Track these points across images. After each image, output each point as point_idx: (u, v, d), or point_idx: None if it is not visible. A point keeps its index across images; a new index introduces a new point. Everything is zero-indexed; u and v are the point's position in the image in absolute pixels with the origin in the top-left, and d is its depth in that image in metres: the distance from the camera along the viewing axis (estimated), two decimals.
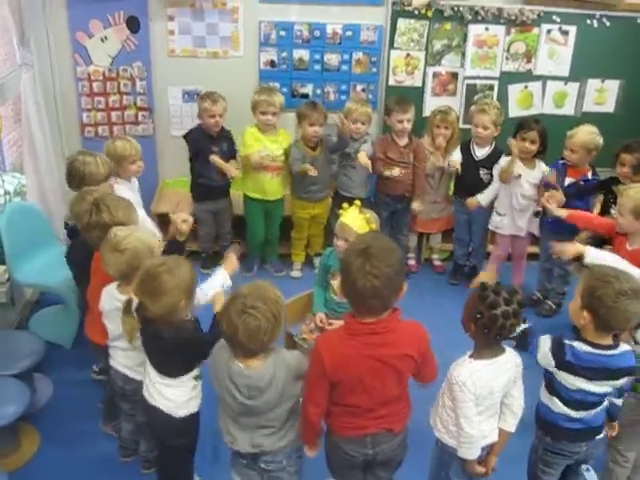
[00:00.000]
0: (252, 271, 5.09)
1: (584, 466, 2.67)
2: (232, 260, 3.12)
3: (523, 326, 2.54)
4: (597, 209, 4.49)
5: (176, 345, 2.59)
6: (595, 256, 3.31)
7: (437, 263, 5.38)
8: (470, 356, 2.53)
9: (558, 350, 2.55)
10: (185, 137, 4.72)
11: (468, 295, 2.55)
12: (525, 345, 2.64)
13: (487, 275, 2.91)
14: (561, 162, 4.41)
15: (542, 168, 4.52)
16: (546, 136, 4.47)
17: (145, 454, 3.21)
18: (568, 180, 4.35)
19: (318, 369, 2.37)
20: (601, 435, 2.74)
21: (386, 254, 2.28)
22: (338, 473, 2.70)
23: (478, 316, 2.41)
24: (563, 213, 3.96)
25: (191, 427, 2.79)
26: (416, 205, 4.93)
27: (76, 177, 3.55)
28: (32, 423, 3.48)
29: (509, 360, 2.54)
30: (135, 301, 2.63)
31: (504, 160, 4.58)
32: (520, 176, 4.55)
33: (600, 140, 4.25)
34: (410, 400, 2.59)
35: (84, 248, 3.10)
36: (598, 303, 2.46)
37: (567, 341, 2.55)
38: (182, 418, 2.71)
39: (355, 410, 2.46)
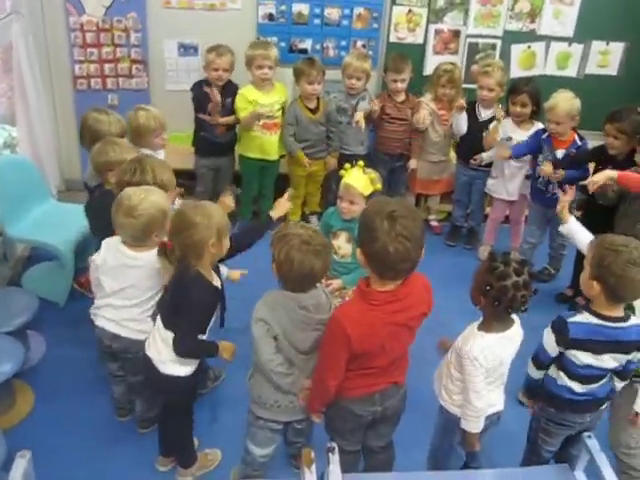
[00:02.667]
0: None
1: (586, 434, 2.65)
2: (227, 202, 3.14)
3: None
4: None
5: (193, 300, 2.54)
6: (571, 228, 3.28)
7: (434, 224, 5.33)
8: (479, 329, 2.46)
9: (561, 331, 2.49)
10: (191, 89, 4.64)
11: (477, 267, 2.49)
12: None
13: None
14: (544, 136, 4.31)
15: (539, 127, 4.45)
16: (538, 97, 4.38)
17: (141, 414, 3.18)
18: (560, 152, 4.24)
19: (342, 344, 2.28)
20: (604, 405, 2.73)
21: (412, 215, 2.21)
22: (340, 435, 2.66)
23: (487, 288, 2.34)
24: (614, 175, 3.57)
25: (177, 387, 2.71)
26: (413, 163, 4.90)
27: (87, 134, 3.48)
28: (26, 381, 3.43)
29: (518, 331, 2.50)
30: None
31: (492, 124, 4.54)
32: (511, 139, 4.51)
33: (579, 103, 4.13)
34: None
35: (106, 199, 2.98)
36: (607, 272, 2.41)
37: (569, 319, 2.48)
38: (166, 375, 2.65)
39: (371, 372, 2.43)
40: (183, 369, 2.67)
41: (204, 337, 2.68)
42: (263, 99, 4.57)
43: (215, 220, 2.52)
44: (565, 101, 4.13)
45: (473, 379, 2.44)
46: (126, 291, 2.83)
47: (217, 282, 2.67)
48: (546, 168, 4.17)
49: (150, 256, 2.71)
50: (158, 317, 2.69)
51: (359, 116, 4.63)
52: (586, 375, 2.56)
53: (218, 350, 2.68)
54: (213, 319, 2.70)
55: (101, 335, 2.95)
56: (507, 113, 4.55)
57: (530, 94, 4.36)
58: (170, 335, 2.60)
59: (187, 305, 2.54)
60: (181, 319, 2.57)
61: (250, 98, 4.56)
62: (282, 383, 2.52)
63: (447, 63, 4.84)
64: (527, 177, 4.61)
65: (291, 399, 2.58)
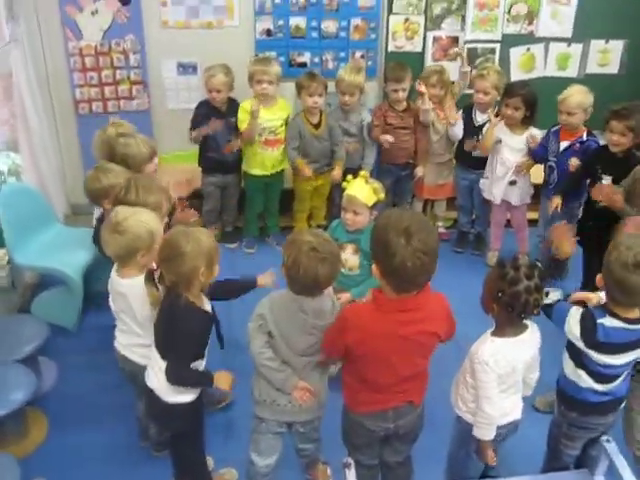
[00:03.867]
0: (253, 248, 5.02)
1: (604, 437, 2.62)
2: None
3: (555, 294, 2.47)
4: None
5: (188, 330, 2.51)
6: None
7: (442, 231, 5.29)
8: (492, 334, 2.45)
9: (590, 329, 2.45)
10: (195, 108, 4.66)
11: (486, 274, 2.47)
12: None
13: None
14: (553, 129, 4.31)
15: (532, 133, 4.42)
16: (533, 102, 4.35)
17: (154, 437, 3.15)
18: (563, 144, 4.24)
19: (339, 335, 2.37)
20: (623, 404, 2.70)
21: (427, 228, 2.22)
22: (356, 449, 2.67)
23: (499, 295, 2.32)
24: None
25: (183, 415, 2.67)
26: (419, 170, 4.88)
27: (119, 160, 3.39)
28: (39, 408, 3.42)
29: (532, 336, 2.48)
30: (157, 273, 2.57)
31: (485, 128, 4.54)
32: (500, 141, 4.50)
33: (592, 98, 4.13)
34: (428, 371, 2.55)
35: None
36: (606, 271, 2.41)
37: (599, 320, 2.44)
38: (170, 404, 2.61)
39: (379, 386, 2.42)
40: (187, 396, 2.63)
41: (203, 362, 2.65)
42: (265, 114, 4.56)
43: (205, 248, 2.46)
44: (578, 93, 4.13)
45: (484, 385, 2.42)
46: (120, 316, 2.82)
47: (208, 306, 2.64)
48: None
49: (133, 283, 2.66)
50: (154, 350, 2.65)
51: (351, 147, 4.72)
52: (607, 374, 2.53)
53: (212, 381, 2.62)
54: (208, 343, 2.66)
55: (116, 356, 2.94)
56: (497, 115, 4.52)
57: (524, 98, 4.33)
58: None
59: (177, 335, 2.51)
60: (172, 349, 2.54)
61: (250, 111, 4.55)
62: (273, 379, 2.55)
63: (435, 65, 4.86)
64: (511, 183, 4.58)
65: (289, 399, 2.58)
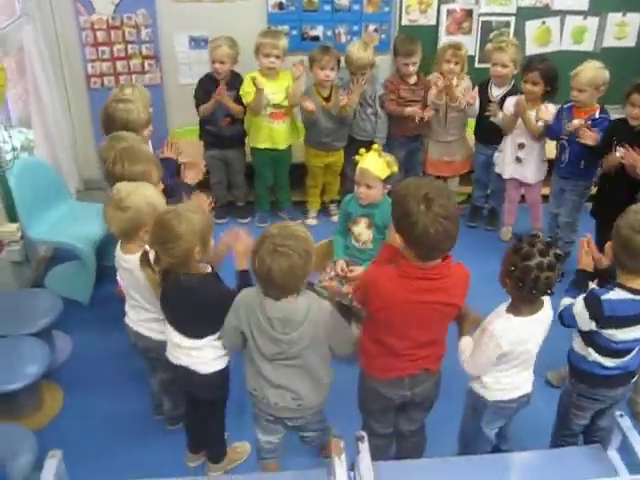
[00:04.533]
0: (266, 222, 5.00)
1: (618, 412, 2.62)
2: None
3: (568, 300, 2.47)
4: None
5: (202, 300, 2.51)
6: None
7: None
8: (508, 310, 2.42)
9: (596, 309, 2.45)
10: (198, 82, 4.65)
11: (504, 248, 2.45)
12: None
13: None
14: (566, 106, 4.22)
15: (547, 109, 4.33)
16: (552, 76, 4.27)
17: (168, 412, 3.18)
18: (576, 121, 4.13)
19: (363, 297, 2.41)
20: (635, 378, 2.69)
21: (445, 193, 2.22)
22: (372, 415, 2.70)
23: (512, 269, 2.30)
24: None
25: (220, 382, 2.73)
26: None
27: (118, 126, 3.34)
28: (53, 380, 3.46)
29: (546, 314, 2.45)
30: (152, 253, 2.53)
31: (510, 102, 4.46)
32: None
33: (607, 74, 4.03)
34: (446, 340, 2.55)
35: None
36: (615, 234, 2.43)
37: (603, 297, 2.45)
38: (210, 374, 2.66)
39: (396, 352, 2.43)
40: (223, 361, 2.68)
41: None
42: (269, 87, 4.52)
43: (198, 227, 2.44)
44: (590, 69, 4.02)
45: (482, 354, 2.43)
46: (129, 293, 2.82)
47: (208, 268, 2.62)
48: (576, 123, 4.08)
49: (138, 259, 2.62)
50: (170, 332, 2.66)
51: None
52: (620, 349, 2.54)
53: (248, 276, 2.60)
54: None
55: (128, 332, 2.95)
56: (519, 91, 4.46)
57: (542, 72, 4.25)
58: (194, 341, 2.60)
59: (205, 309, 2.54)
60: (211, 322, 2.56)
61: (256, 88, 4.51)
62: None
63: (453, 40, 4.77)
64: (517, 160, 4.56)
65: (275, 396, 2.51)
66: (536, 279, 2.26)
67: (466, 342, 2.54)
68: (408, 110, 4.63)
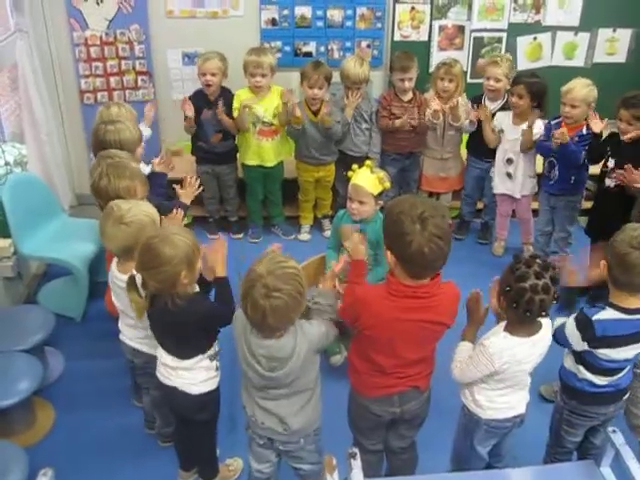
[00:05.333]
0: (259, 238, 5.01)
1: (610, 428, 2.62)
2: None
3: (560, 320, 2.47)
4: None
5: (191, 321, 2.49)
6: None
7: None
8: (505, 329, 2.40)
9: (587, 330, 2.46)
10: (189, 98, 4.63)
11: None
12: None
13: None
14: (554, 122, 4.24)
15: (534, 124, 4.34)
16: (539, 92, 4.32)
17: (159, 429, 3.17)
18: (561, 130, 4.11)
19: (352, 315, 2.38)
20: (627, 396, 2.69)
21: (440, 212, 2.21)
22: (362, 433, 2.69)
23: (507, 289, 2.29)
24: None
25: (210, 403, 2.72)
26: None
27: (111, 148, 3.29)
28: (46, 397, 3.44)
29: (544, 337, 2.44)
30: (139, 277, 2.50)
31: (500, 116, 4.54)
32: (502, 131, 4.52)
33: (596, 92, 4.08)
34: (435, 358, 2.55)
35: None
36: (611, 252, 2.42)
37: (594, 317, 2.45)
38: (199, 395, 2.64)
39: (384, 369, 2.43)
40: (212, 382, 2.67)
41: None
42: (258, 106, 4.55)
43: (184, 251, 2.39)
44: (583, 86, 4.06)
45: (472, 366, 2.42)
46: (126, 312, 2.80)
47: (196, 288, 2.61)
48: (562, 130, 4.08)
49: None
50: (160, 352, 2.65)
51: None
52: (611, 368, 2.54)
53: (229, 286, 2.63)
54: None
55: (124, 349, 2.95)
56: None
57: (528, 86, 4.30)
58: (183, 362, 2.59)
59: (194, 329, 2.52)
60: (216, 327, 2.58)
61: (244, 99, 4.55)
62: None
63: (448, 58, 4.76)
64: (508, 175, 4.61)
65: (262, 416, 2.47)
66: (530, 301, 2.25)
67: (464, 348, 2.54)
68: (397, 122, 4.63)
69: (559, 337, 2.57)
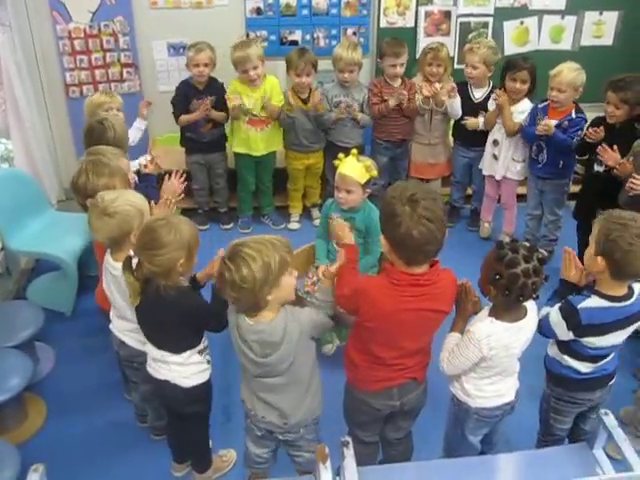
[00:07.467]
0: (249, 228, 5.00)
1: (602, 410, 2.61)
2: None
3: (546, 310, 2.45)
4: None
5: (179, 313, 2.48)
6: None
7: None
8: (490, 314, 2.39)
9: (572, 318, 2.45)
10: (176, 89, 4.62)
11: (484, 257, 2.40)
12: None
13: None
14: (541, 105, 4.24)
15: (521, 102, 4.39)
16: (535, 74, 4.32)
17: (151, 422, 3.16)
18: (552, 122, 4.13)
19: (353, 306, 2.35)
20: (613, 380, 2.70)
21: (432, 195, 2.19)
22: (359, 427, 2.67)
23: (497, 277, 2.26)
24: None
25: (201, 395, 2.70)
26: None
27: (111, 144, 3.28)
28: (37, 393, 3.43)
29: (531, 321, 2.43)
30: (135, 260, 2.49)
31: (492, 103, 4.51)
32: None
33: (584, 77, 4.07)
34: (431, 349, 2.55)
35: None
36: (613, 247, 2.36)
37: (579, 305, 2.44)
38: (191, 387, 2.63)
39: (385, 362, 2.41)
40: (204, 375, 2.65)
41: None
42: (248, 96, 4.53)
43: (186, 238, 2.41)
44: (571, 70, 4.06)
45: (460, 355, 2.40)
46: (116, 301, 2.78)
47: (187, 283, 2.61)
48: (547, 122, 4.10)
49: None
50: (149, 347, 2.63)
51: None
52: (596, 355, 2.54)
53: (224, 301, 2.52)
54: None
55: (113, 340, 2.93)
56: (503, 89, 4.48)
57: (530, 71, 4.30)
58: (171, 356, 2.57)
59: (190, 318, 2.51)
60: (203, 326, 2.56)
61: (238, 90, 4.53)
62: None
63: (434, 42, 4.72)
64: (494, 157, 4.61)
65: (263, 410, 2.47)
66: (523, 286, 2.23)
67: (452, 339, 2.52)
68: (391, 100, 4.57)
69: (544, 327, 2.55)
